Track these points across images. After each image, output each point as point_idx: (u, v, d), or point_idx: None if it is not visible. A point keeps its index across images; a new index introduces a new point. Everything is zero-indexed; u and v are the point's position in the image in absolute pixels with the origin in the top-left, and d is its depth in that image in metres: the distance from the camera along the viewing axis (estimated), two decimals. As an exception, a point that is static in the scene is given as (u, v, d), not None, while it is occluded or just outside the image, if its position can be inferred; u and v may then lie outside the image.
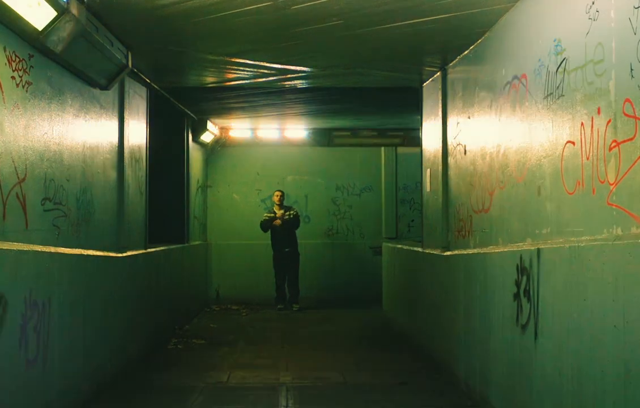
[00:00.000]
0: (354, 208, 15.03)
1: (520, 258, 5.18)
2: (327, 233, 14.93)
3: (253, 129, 14.41)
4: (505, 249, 5.64)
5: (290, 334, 10.78)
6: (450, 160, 7.67)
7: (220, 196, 14.81)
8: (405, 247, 10.50)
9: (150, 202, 10.48)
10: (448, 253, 7.61)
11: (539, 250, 4.81)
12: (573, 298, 4.18)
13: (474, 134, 6.77)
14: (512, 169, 5.60)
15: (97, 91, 6.67)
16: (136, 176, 8.39)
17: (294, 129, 14.48)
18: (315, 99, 10.61)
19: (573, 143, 4.39)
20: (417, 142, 14.89)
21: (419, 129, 14.65)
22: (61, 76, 5.59)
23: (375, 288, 14.18)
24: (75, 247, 5.93)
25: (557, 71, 4.69)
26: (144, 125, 8.83)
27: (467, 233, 6.97)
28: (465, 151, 7.09)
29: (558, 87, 4.67)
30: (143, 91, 8.75)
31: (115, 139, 7.46)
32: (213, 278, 14.64)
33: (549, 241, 4.76)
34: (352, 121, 13.63)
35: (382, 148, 15.01)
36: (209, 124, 12.97)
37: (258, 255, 14.36)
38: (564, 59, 4.58)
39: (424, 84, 8.97)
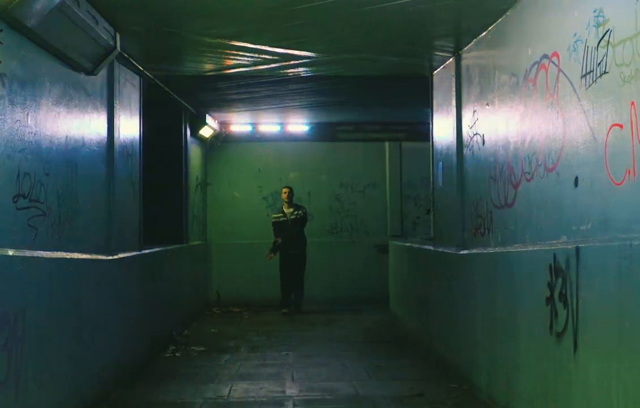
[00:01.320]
0: (358, 205, 14.50)
1: (554, 257, 4.60)
2: (330, 231, 14.41)
3: (254, 124, 13.87)
4: (535, 248, 5.06)
5: (295, 338, 10.20)
6: (466, 152, 7.09)
7: (221, 194, 14.26)
8: (414, 246, 9.92)
9: (146, 200, 9.92)
10: (464, 252, 7.03)
11: (578, 249, 4.23)
12: (625, 304, 3.61)
13: (494, 123, 6.19)
14: (541, 158, 5.02)
15: (82, 76, 6.10)
16: (128, 171, 7.82)
17: (296, 124, 13.96)
18: (318, 90, 10.04)
19: (620, 126, 3.82)
20: (422, 136, 14.40)
21: (423, 123, 14.16)
22: (37, 57, 5.01)
23: (381, 288, 13.71)
24: (57, 250, 5.36)
25: (598, 46, 4.11)
26: (137, 116, 8.26)
27: (486, 231, 6.40)
28: (483, 141, 6.51)
29: (600, 63, 4.09)
30: (135, 79, 8.17)
31: (103, 131, 6.88)
32: (213, 279, 14.09)
33: (590, 239, 4.19)
34: (355, 115, 13.08)
35: (387, 143, 14.55)
36: (208, 119, 12.42)
37: (260, 255, 13.77)
38: (607, 31, 4.00)
39: (435, 71, 8.40)
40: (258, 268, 13.88)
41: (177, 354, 9.03)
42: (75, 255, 5.71)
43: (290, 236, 12.44)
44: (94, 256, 6.30)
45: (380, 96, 10.86)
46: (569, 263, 4.34)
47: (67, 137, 5.73)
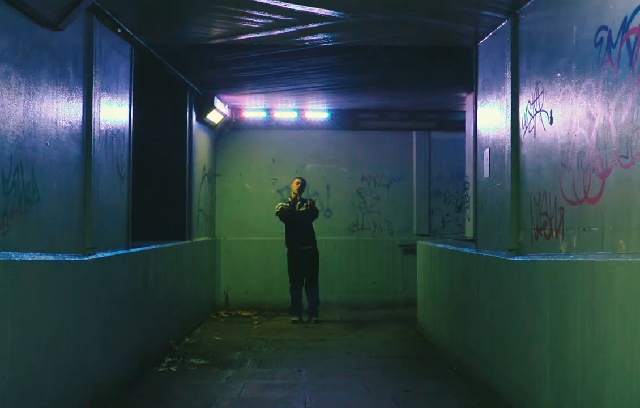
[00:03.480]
0: (381, 200, 13.18)
1: (676, 274, 3.25)
2: (351, 229, 13.12)
3: (268, 110, 12.59)
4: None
5: (309, 351, 8.92)
6: (525, 135, 5.73)
7: (231, 186, 12.99)
8: (449, 247, 8.57)
9: (142, 192, 8.77)
10: (520, 258, 5.68)
11: None
12: None
13: (569, 95, 4.83)
14: (648, 136, 3.67)
15: (45, 32, 4.83)
16: (114, 155, 6.55)
17: (314, 111, 12.66)
18: (339, 67, 8.73)
19: None
20: (454, 125, 13.07)
21: (455, 110, 12.87)
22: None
23: (406, 292, 12.54)
24: (1, 248, 4.10)
25: None
26: (127, 91, 6.99)
27: (554, 232, 5.04)
28: (551, 119, 5.15)
29: None
30: (125, 47, 6.91)
31: (78, 103, 5.61)
32: (222, 279, 12.83)
33: None
34: (380, 101, 11.75)
35: (414, 133, 13.26)
36: (217, 102, 11.15)
37: (273, 253, 12.53)
38: None
39: (481, 41, 7.04)
40: (271, 268, 12.64)
41: (172, 368, 7.79)
42: (29, 256, 4.44)
43: (299, 229, 11.08)
44: (59, 257, 5.04)
45: (409, 76, 9.52)
46: None
47: (19, 104, 4.46)
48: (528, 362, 5.33)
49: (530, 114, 5.53)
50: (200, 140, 11.35)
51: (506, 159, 6.04)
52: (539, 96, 5.36)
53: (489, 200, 6.68)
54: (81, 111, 5.67)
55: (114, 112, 6.53)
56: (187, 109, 10.28)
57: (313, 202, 11.35)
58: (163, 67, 8.61)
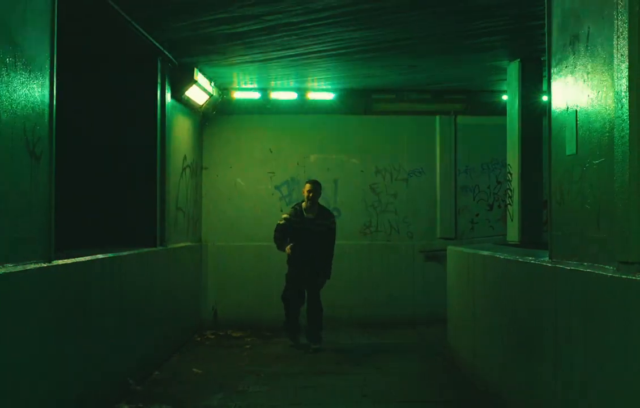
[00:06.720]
0: (398, 198, 11.07)
1: None
2: (363, 232, 11.02)
3: (264, 90, 10.53)
4: None
5: (312, 391, 6.80)
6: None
7: (220, 181, 10.91)
8: (500, 256, 6.38)
9: (97, 186, 6.76)
10: (646, 277, 3.49)
11: None
12: None
13: None
14: None
15: None
16: (17, 124, 4.40)
17: (318, 90, 10.59)
18: (350, 17, 6.61)
19: None
20: (485, 108, 10.89)
21: (487, 91, 10.73)
22: None
23: (429, 307, 10.62)
24: None
25: None
26: (46, 36, 4.83)
27: None
28: None
29: None
30: (41, -30, 4.77)
31: None
32: (209, 292, 10.72)
33: None
34: (398, 74, 9.61)
35: (437, 117, 11.15)
36: (198, 75, 9.03)
37: (270, 262, 10.44)
38: None
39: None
40: (268, 279, 10.55)
41: (123, 424, 5.67)
42: None
43: (307, 248, 8.72)
44: None
45: (436, 31, 7.37)
46: None
47: None
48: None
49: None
50: (179, 124, 9.24)
51: (615, 121, 3.85)
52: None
53: (577, 187, 4.49)
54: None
55: (16, 63, 4.39)
56: (159, 81, 8.18)
57: (334, 224, 8.85)
58: (116, 16, 6.50)
